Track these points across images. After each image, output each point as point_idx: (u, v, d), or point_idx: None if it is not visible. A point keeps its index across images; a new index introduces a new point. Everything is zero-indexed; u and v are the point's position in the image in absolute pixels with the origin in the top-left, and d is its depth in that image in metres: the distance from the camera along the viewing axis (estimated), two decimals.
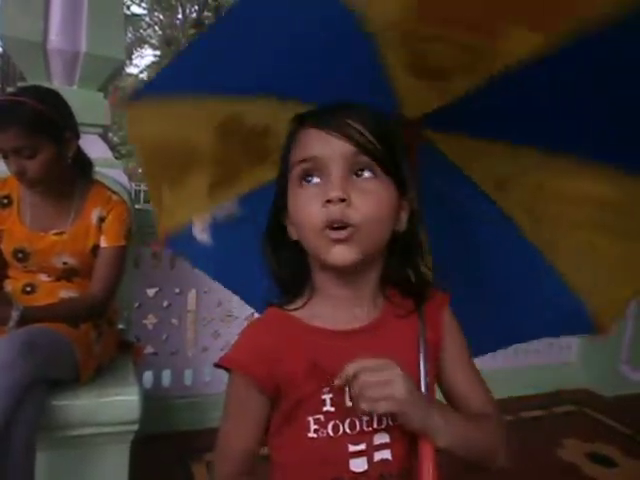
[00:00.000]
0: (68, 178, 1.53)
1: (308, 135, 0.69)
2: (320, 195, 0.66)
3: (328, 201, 0.64)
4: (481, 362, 2.89)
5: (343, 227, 0.65)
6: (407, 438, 0.70)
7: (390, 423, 0.70)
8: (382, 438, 0.70)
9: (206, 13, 16.21)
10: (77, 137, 1.52)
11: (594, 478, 2.17)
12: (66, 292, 1.52)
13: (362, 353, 0.67)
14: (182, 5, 16.22)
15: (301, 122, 0.71)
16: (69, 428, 1.38)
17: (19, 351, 1.21)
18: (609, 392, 3.03)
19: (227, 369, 0.73)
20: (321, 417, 0.69)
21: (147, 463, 1.79)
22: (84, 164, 1.59)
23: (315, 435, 0.69)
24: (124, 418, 1.43)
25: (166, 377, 2.28)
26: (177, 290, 2.25)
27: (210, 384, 2.32)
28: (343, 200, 0.64)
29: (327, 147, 0.66)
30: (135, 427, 1.45)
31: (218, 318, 2.34)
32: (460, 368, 0.79)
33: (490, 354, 3.19)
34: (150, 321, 2.24)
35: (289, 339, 0.71)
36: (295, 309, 0.75)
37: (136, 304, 2.16)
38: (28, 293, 1.50)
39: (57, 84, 1.97)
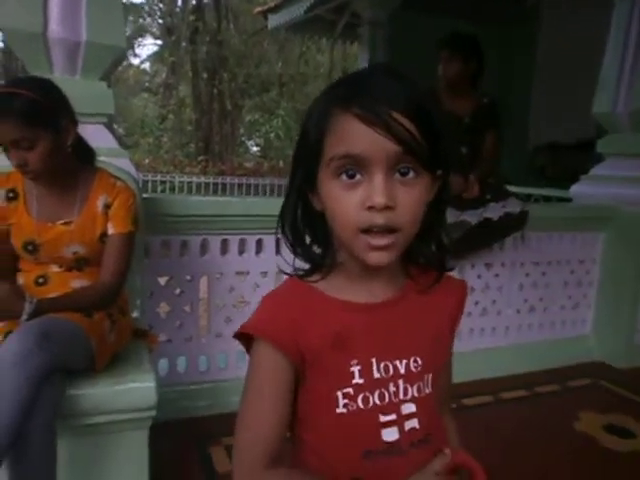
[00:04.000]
0: (71, 167, 1.53)
1: (351, 127, 0.63)
2: (362, 195, 0.63)
3: (371, 206, 0.62)
4: (494, 339, 2.92)
5: (386, 231, 0.64)
6: (430, 406, 0.73)
7: (415, 394, 0.71)
8: (409, 408, 0.71)
9: (205, 0, 16.05)
10: (75, 125, 1.51)
11: (610, 449, 2.17)
12: (78, 282, 1.53)
13: (386, 326, 0.71)
14: None
15: (342, 104, 0.64)
16: (87, 416, 1.40)
17: (35, 342, 1.22)
18: (624, 364, 3.01)
19: (247, 340, 0.71)
20: (350, 390, 0.69)
21: (165, 449, 1.81)
22: (86, 152, 1.59)
23: (345, 410, 0.68)
24: (141, 404, 1.44)
25: (181, 364, 2.29)
26: (188, 277, 2.25)
27: (225, 370, 2.33)
28: (388, 207, 0.62)
29: (372, 146, 0.62)
30: (152, 413, 1.47)
31: (230, 304, 2.34)
32: (451, 351, 0.82)
33: (502, 330, 3.21)
34: (163, 309, 2.25)
35: (312, 310, 0.70)
36: (315, 281, 0.73)
37: (148, 293, 2.17)
38: (41, 285, 1.51)
39: (59, 75, 1.96)
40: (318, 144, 0.67)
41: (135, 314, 1.92)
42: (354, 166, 0.64)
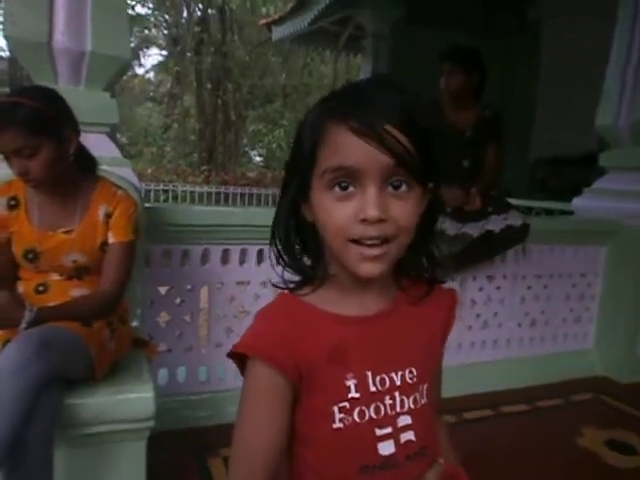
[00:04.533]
0: (72, 176, 1.53)
1: (345, 140, 0.63)
2: (355, 207, 0.64)
3: (364, 219, 0.63)
4: (495, 352, 2.90)
5: (378, 243, 0.64)
6: (426, 418, 0.73)
7: (412, 406, 0.71)
8: (405, 420, 0.71)
9: (210, 11, 16.19)
10: (77, 134, 1.52)
11: (613, 466, 2.15)
12: (78, 290, 1.53)
13: (379, 338, 0.71)
14: (186, 4, 16.21)
15: (336, 116, 0.64)
16: (85, 426, 1.39)
17: (34, 351, 1.22)
18: (626, 378, 2.99)
19: (240, 359, 0.70)
20: (347, 404, 0.68)
21: (163, 459, 1.80)
22: (88, 161, 1.60)
23: (341, 425, 0.68)
24: (140, 415, 1.44)
25: (181, 374, 2.29)
26: (189, 287, 2.25)
27: (225, 380, 2.32)
28: (381, 220, 0.63)
29: (365, 158, 0.62)
30: (151, 423, 1.46)
31: (231, 314, 2.34)
32: (442, 361, 0.82)
33: (504, 343, 3.19)
34: (163, 319, 2.25)
35: (305, 325, 0.70)
36: (306, 294, 0.73)
37: (148, 302, 2.17)
38: (40, 293, 1.51)
39: (63, 85, 1.98)
40: (312, 155, 0.67)
41: (135, 323, 1.92)
42: (347, 178, 0.64)
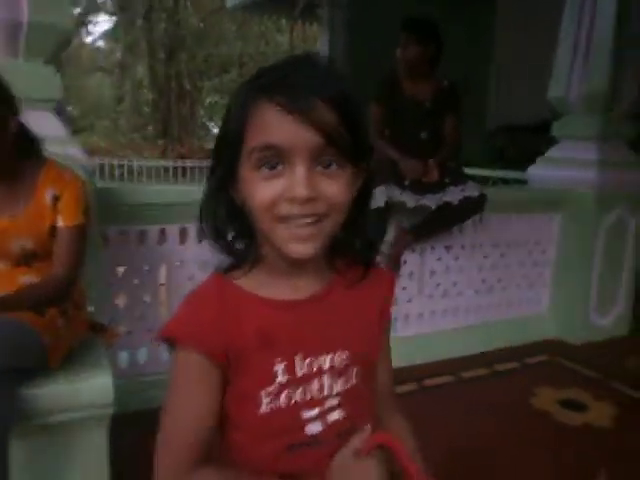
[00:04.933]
0: (14, 159, 1.45)
1: (272, 117, 0.61)
2: (283, 185, 0.62)
3: (292, 198, 0.61)
4: (456, 320, 2.97)
5: (308, 222, 0.63)
6: (357, 398, 0.74)
7: (340, 389, 0.72)
8: (333, 400, 0.72)
9: None
10: (14, 114, 1.43)
11: (565, 423, 2.26)
12: (26, 277, 1.47)
13: (310, 322, 0.71)
14: None
15: (263, 94, 0.62)
16: (42, 416, 1.36)
17: None
18: (580, 340, 3.13)
19: (170, 343, 0.68)
20: (274, 389, 0.68)
21: (127, 442, 1.78)
22: (31, 142, 1.50)
23: (268, 409, 0.68)
24: (98, 402, 1.41)
25: (142, 355, 2.26)
26: (147, 267, 2.21)
27: None
28: (310, 199, 0.61)
29: (294, 137, 0.60)
30: (110, 410, 1.43)
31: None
32: (385, 346, 0.82)
33: (463, 311, 3.28)
34: (122, 301, 2.20)
35: (235, 308, 0.69)
36: (238, 277, 0.71)
37: (106, 284, 2.11)
38: None
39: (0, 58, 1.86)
40: (239, 135, 0.64)
41: (91, 308, 1.87)
42: (275, 157, 0.62)
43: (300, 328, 0.70)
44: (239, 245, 0.72)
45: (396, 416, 0.85)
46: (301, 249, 0.64)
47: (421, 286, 2.88)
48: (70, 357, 1.49)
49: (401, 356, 2.87)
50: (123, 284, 2.17)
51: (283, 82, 0.61)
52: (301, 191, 0.60)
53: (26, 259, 1.48)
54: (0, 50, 1.86)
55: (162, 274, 2.28)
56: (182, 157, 11.47)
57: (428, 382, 2.57)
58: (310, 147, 0.61)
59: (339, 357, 0.72)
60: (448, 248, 2.91)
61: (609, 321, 3.28)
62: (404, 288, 2.80)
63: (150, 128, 16.26)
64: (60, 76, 1.99)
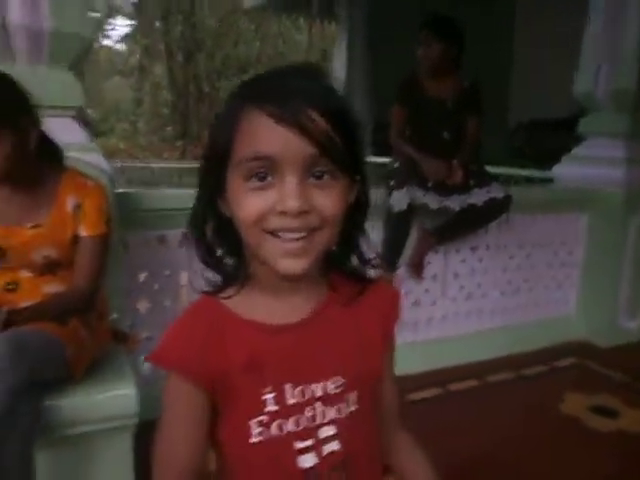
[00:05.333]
0: (36, 167, 1.44)
1: (263, 126, 0.57)
2: (273, 198, 0.58)
3: (283, 211, 0.58)
4: (481, 322, 2.90)
5: (299, 236, 0.59)
6: (354, 425, 0.69)
7: (334, 416, 0.68)
8: (329, 430, 0.68)
9: None
10: (37, 123, 1.42)
11: (597, 429, 2.20)
12: (50, 287, 1.46)
13: (301, 347, 0.67)
14: None
15: (254, 101, 0.58)
16: (66, 427, 1.35)
17: (6, 358, 1.16)
18: (608, 343, 3.05)
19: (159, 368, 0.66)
20: (264, 418, 0.65)
21: (151, 449, 1.77)
22: (53, 151, 1.50)
23: (258, 439, 0.65)
24: (122, 412, 1.40)
25: None
26: (168, 272, 2.20)
27: None
28: (303, 212, 0.58)
29: (285, 147, 0.57)
30: (134, 420, 1.42)
31: None
32: (389, 365, 0.78)
33: (488, 313, 3.21)
34: (143, 306, 2.20)
35: (223, 333, 0.65)
36: (228, 297, 0.67)
37: (127, 290, 2.11)
38: (10, 291, 1.44)
39: (22, 65, 1.86)
40: (227, 144, 0.61)
41: (114, 315, 1.86)
42: (265, 168, 0.58)
43: (291, 354, 0.67)
44: (228, 262, 0.68)
45: (401, 433, 0.81)
46: (292, 265, 0.60)
47: (445, 288, 2.83)
48: (93, 367, 1.48)
49: (425, 360, 2.88)
50: (144, 289, 2.17)
51: (274, 90, 0.59)
52: (292, 203, 0.57)
53: (50, 268, 1.47)
54: (23, 57, 1.86)
55: (183, 278, 2.27)
56: None
57: (453, 387, 2.52)
58: (302, 157, 0.57)
59: (333, 384, 0.68)
60: (473, 249, 2.85)
61: (638, 324, 3.19)
62: (427, 290, 2.75)
63: (169, 129, 16.37)
64: (80, 81, 1.99)
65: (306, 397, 0.67)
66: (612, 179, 2.99)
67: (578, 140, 3.30)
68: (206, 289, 0.69)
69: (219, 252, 0.68)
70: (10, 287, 1.44)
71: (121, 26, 25.00)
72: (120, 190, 2.02)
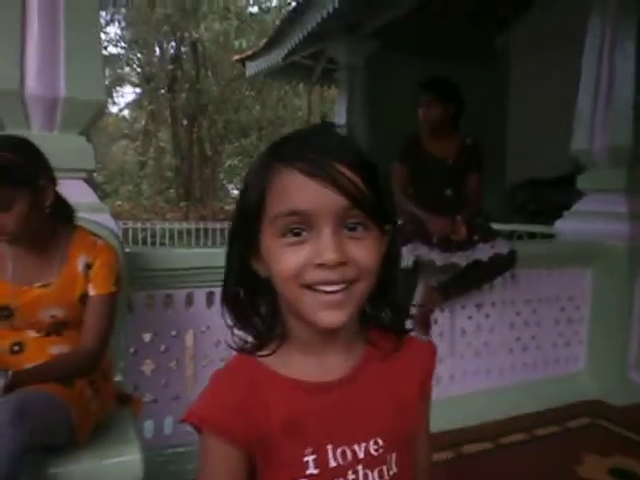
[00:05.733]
0: (49, 227, 1.46)
1: (295, 182, 0.59)
2: (310, 252, 0.59)
3: (321, 264, 0.59)
4: (489, 381, 2.84)
5: (337, 289, 0.59)
6: None
7: (377, 479, 0.66)
8: None
9: (183, 49, 16.35)
10: (54, 184, 1.46)
11: None
12: (57, 347, 1.44)
13: (342, 407, 0.66)
14: (159, 42, 16.34)
15: (284, 160, 0.61)
16: None
17: (8, 420, 1.13)
18: (620, 401, 2.96)
19: (195, 427, 0.65)
20: None
21: None
22: (65, 211, 1.53)
23: None
24: (127, 479, 1.34)
25: (168, 425, 2.18)
26: (173, 332, 2.17)
27: None
28: (341, 263, 0.59)
29: (318, 200, 0.58)
30: None
31: (218, 358, 2.25)
32: (425, 419, 0.77)
33: (497, 371, 3.15)
34: (148, 367, 2.16)
35: (260, 392, 0.65)
36: (266, 355, 0.67)
37: (132, 350, 2.08)
38: (16, 353, 1.42)
39: (37, 131, 1.92)
40: (259, 202, 0.63)
41: (118, 377, 1.82)
42: (300, 224, 0.60)
43: (332, 414, 0.65)
44: (265, 322, 0.69)
45: None
46: (331, 318, 0.60)
47: (452, 346, 2.78)
48: (97, 431, 1.44)
49: (432, 421, 2.76)
50: (149, 350, 2.13)
51: (302, 148, 0.61)
52: (330, 255, 0.58)
53: (57, 328, 1.46)
54: (38, 124, 1.92)
55: (189, 339, 2.24)
56: (203, 218, 11.66)
57: (465, 450, 2.43)
58: (335, 209, 0.59)
59: (373, 445, 0.66)
60: (479, 306, 2.83)
61: None
62: None
63: (172, 191, 16.66)
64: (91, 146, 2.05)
65: (348, 459, 0.65)
66: (615, 233, 3.01)
67: (574, 196, 3.35)
68: (243, 347, 0.69)
69: (251, 312, 0.69)
70: (16, 349, 1.42)
71: (128, 93, 25.93)
72: (127, 249, 2.04)
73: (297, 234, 0.60)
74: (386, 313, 0.70)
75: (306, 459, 0.63)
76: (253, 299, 0.68)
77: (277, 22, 5.92)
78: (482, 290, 2.78)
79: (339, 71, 5.73)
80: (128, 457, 1.36)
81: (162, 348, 2.15)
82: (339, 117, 5.70)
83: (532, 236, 4.53)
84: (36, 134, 1.88)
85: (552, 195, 5.02)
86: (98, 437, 1.42)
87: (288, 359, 0.67)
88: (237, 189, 19.22)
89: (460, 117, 2.70)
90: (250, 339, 0.69)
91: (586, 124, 3.17)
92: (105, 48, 15.39)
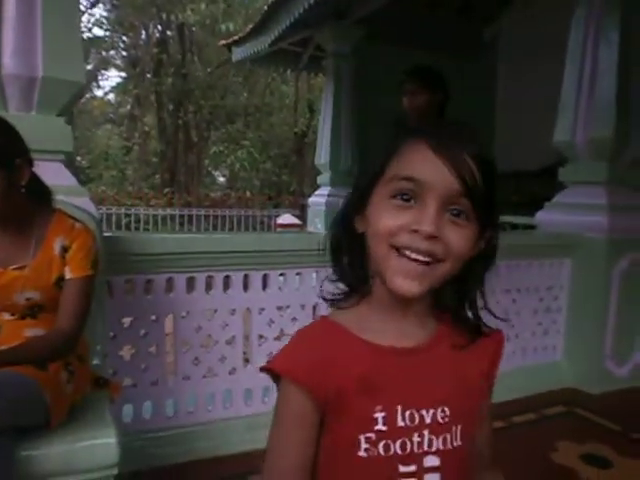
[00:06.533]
0: (25, 208, 1.44)
1: (420, 152, 0.65)
2: (410, 218, 0.64)
3: (416, 230, 0.63)
4: None
5: (422, 261, 0.64)
6: (458, 461, 0.71)
7: (441, 446, 0.69)
8: (432, 461, 0.69)
9: (169, 32, 16.10)
10: (30, 164, 1.44)
11: None
12: (32, 330, 1.43)
13: (414, 372, 0.70)
14: (144, 25, 16.07)
15: (417, 134, 0.67)
16: (43, 478, 1.29)
17: None
18: (596, 389, 3.02)
19: (274, 376, 0.71)
20: (372, 436, 0.67)
21: None
22: (42, 192, 1.51)
23: (365, 454, 0.67)
24: (102, 463, 1.34)
25: (147, 409, 2.18)
26: (153, 317, 2.16)
27: (193, 414, 2.22)
28: (433, 237, 0.63)
29: (435, 175, 0.63)
30: (115, 471, 1.36)
31: (197, 344, 2.25)
32: (488, 406, 0.81)
33: None
34: (127, 352, 2.14)
35: (340, 351, 0.70)
36: (346, 307, 0.74)
37: (111, 335, 2.06)
38: None
39: (14, 111, 1.88)
40: (384, 163, 0.68)
41: (96, 361, 1.81)
42: (411, 191, 0.65)
43: (404, 377, 0.70)
44: (355, 273, 0.74)
45: (493, 472, 0.84)
46: (407, 286, 0.65)
47: None
48: (72, 414, 1.43)
49: None
50: (128, 335, 2.12)
51: (437, 129, 0.69)
52: (427, 226, 0.62)
53: (32, 311, 1.45)
54: (15, 104, 1.88)
55: (168, 324, 2.23)
56: (188, 205, 11.56)
57: None
58: (447, 190, 0.63)
59: (441, 413, 0.70)
60: None
61: (627, 370, 3.18)
62: None
63: (157, 177, 16.48)
64: (71, 128, 2.02)
65: (416, 422, 0.68)
66: (594, 225, 3.05)
67: (556, 188, 3.38)
68: (332, 297, 0.76)
69: (346, 258, 0.74)
70: None
71: (113, 77, 25.53)
72: (107, 234, 2.02)
73: (406, 200, 0.65)
74: (464, 309, 0.75)
75: (376, 415, 0.67)
76: (347, 249, 0.74)
77: (265, 6, 5.83)
78: None
79: (326, 58, 5.70)
80: (102, 440, 1.36)
81: (142, 333, 2.14)
82: (326, 104, 5.67)
83: (515, 227, 4.57)
84: (13, 114, 1.84)
85: (535, 187, 5.06)
86: (72, 420, 1.41)
87: (367, 323, 0.72)
88: (223, 176, 19.09)
89: (446, 105, 2.70)
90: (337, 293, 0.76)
91: (569, 116, 3.19)
92: (90, 30, 15.11)
